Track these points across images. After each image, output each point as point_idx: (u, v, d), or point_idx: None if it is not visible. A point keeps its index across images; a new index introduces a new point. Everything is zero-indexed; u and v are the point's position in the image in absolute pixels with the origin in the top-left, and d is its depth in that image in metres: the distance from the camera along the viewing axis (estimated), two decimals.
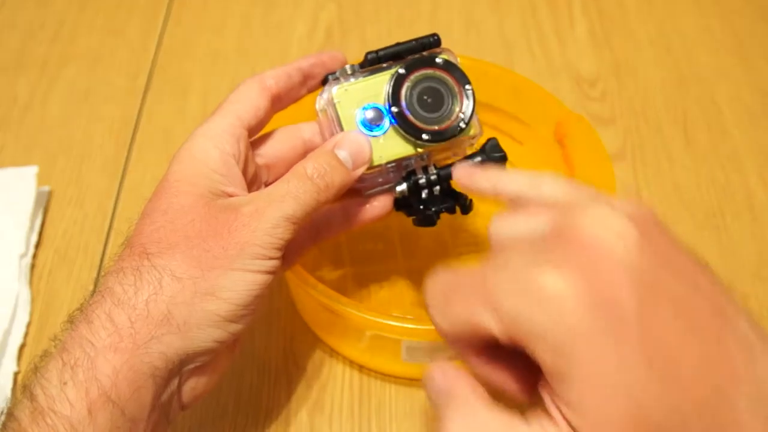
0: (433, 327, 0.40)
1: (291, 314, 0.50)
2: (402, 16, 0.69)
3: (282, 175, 0.39)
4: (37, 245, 0.53)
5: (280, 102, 0.38)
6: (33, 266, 0.52)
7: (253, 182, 0.37)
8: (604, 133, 0.60)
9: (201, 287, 0.31)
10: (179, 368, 0.31)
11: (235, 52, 0.66)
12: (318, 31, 0.68)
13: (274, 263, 0.33)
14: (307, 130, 0.40)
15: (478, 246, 0.52)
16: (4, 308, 0.49)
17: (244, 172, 0.35)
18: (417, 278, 0.51)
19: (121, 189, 0.57)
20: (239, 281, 0.32)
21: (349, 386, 0.47)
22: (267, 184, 0.38)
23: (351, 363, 0.48)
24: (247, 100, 0.36)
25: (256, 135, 0.38)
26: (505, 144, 0.54)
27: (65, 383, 0.29)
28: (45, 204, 0.55)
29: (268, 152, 0.39)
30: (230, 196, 0.34)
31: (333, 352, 0.48)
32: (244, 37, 0.68)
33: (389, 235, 0.53)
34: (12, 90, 0.63)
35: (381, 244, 0.52)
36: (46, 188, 0.56)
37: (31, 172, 0.55)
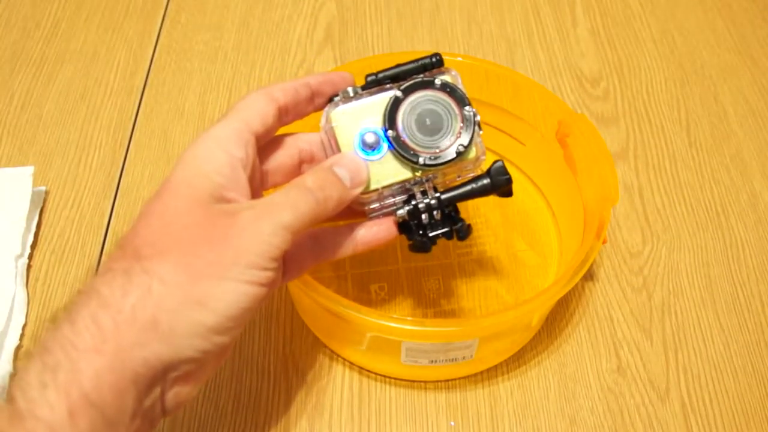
0: (433, 328, 0.40)
1: (290, 316, 0.49)
2: (402, 14, 0.69)
3: (278, 183, 0.39)
4: (33, 246, 0.53)
5: (286, 115, 0.38)
6: (29, 267, 0.52)
7: (257, 190, 0.37)
8: (606, 133, 0.60)
9: (190, 295, 0.30)
10: (163, 375, 0.31)
11: (234, 51, 0.66)
12: (318, 30, 0.67)
13: (269, 275, 0.32)
14: (304, 140, 0.39)
15: (477, 246, 0.52)
16: (0, 309, 0.48)
17: (251, 178, 0.35)
18: (417, 279, 0.50)
19: (119, 189, 0.56)
20: (230, 292, 0.31)
21: (348, 388, 0.46)
22: (263, 190, 0.38)
23: (351, 364, 0.47)
24: (255, 108, 0.36)
25: (261, 144, 0.37)
26: (506, 144, 0.54)
27: (45, 385, 0.28)
28: (41, 204, 0.55)
29: (266, 159, 0.38)
30: (230, 201, 0.33)
31: (333, 354, 0.48)
32: (243, 36, 0.67)
33: None
34: (8, 89, 0.62)
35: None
36: (42, 188, 0.56)
37: (27, 172, 0.54)
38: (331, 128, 0.38)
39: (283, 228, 0.32)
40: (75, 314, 0.30)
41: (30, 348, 0.30)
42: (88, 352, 0.29)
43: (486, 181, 0.39)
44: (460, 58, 0.51)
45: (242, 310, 0.31)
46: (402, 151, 0.37)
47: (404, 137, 0.38)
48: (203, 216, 0.32)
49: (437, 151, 0.38)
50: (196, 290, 0.30)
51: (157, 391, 0.31)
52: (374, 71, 0.38)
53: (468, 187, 0.39)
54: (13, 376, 0.46)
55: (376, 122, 0.38)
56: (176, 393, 0.32)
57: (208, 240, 0.31)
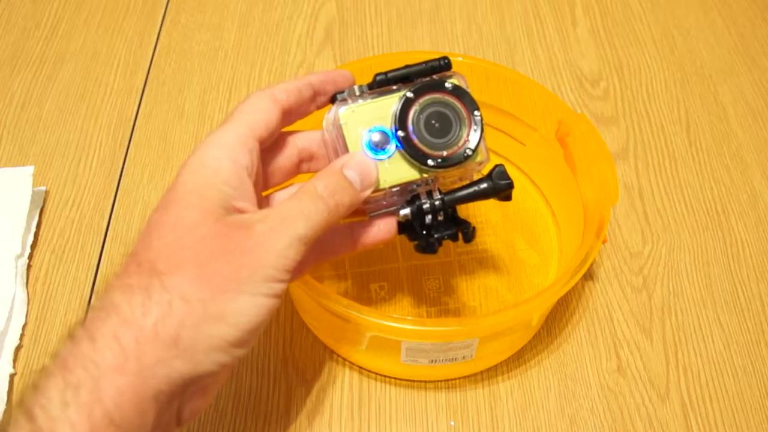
0: (432, 328, 0.40)
1: (290, 315, 0.49)
2: (402, 14, 0.69)
3: (277, 183, 0.38)
4: (33, 246, 0.53)
5: (289, 116, 0.37)
6: (29, 267, 0.52)
7: (259, 192, 0.36)
8: (606, 133, 0.60)
9: (210, 311, 0.30)
10: (182, 391, 0.30)
11: (234, 51, 0.66)
12: (318, 30, 0.68)
13: (283, 287, 0.32)
14: (303, 139, 0.39)
15: (478, 245, 0.52)
16: (0, 309, 0.48)
17: (255, 185, 0.34)
18: (417, 277, 0.50)
19: (119, 189, 0.56)
20: (249, 306, 0.31)
21: (348, 387, 0.46)
22: (264, 191, 0.38)
23: (350, 364, 0.47)
24: (259, 112, 0.35)
25: (263, 148, 0.37)
26: (506, 144, 0.54)
27: (67, 404, 0.28)
28: (41, 204, 0.55)
29: (266, 160, 0.38)
30: (240, 211, 0.33)
31: (332, 354, 0.48)
32: (243, 36, 0.67)
33: None
34: (8, 89, 0.62)
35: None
36: (43, 188, 0.56)
37: (27, 172, 0.54)
38: (340, 127, 0.37)
39: (298, 240, 0.32)
40: (95, 331, 0.29)
41: (46, 362, 0.30)
42: (110, 370, 0.28)
43: (487, 184, 0.39)
44: (460, 58, 0.51)
45: (260, 323, 0.31)
46: (411, 153, 0.37)
47: (413, 138, 0.37)
48: (217, 228, 0.31)
49: (445, 153, 0.38)
50: (216, 305, 0.30)
51: (176, 405, 0.31)
52: (376, 71, 0.38)
53: (470, 190, 0.39)
54: (13, 376, 0.46)
55: (384, 122, 0.38)
56: (192, 406, 0.32)
57: (225, 254, 0.31)
